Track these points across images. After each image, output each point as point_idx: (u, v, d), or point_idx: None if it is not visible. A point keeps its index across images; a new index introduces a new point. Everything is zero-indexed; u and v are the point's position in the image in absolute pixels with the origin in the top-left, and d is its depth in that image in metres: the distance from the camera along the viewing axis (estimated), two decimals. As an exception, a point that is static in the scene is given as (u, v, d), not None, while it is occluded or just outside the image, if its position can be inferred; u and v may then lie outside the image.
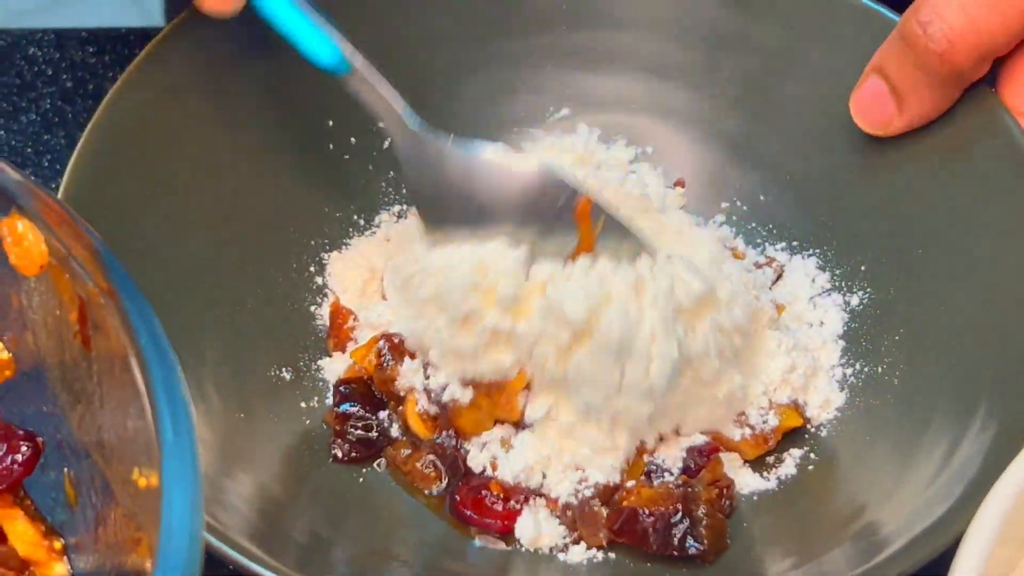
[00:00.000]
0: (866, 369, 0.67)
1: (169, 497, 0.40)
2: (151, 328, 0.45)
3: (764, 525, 0.61)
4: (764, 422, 0.63)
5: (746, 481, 0.63)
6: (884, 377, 0.67)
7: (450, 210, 0.64)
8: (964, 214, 0.66)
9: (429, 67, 0.75)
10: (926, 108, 0.66)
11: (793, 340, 0.65)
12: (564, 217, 0.62)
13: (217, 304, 0.66)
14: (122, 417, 0.46)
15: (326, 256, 0.72)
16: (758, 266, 0.70)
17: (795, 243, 0.72)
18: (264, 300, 0.68)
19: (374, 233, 0.73)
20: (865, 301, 0.69)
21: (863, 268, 0.69)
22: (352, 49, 0.62)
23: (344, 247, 0.72)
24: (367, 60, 0.63)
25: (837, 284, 0.70)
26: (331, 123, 0.73)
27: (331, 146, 0.74)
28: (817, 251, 0.71)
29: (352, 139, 0.74)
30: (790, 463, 0.64)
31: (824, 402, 0.65)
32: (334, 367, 0.68)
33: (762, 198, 0.74)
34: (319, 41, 0.62)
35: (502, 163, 0.63)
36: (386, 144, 0.73)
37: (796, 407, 0.64)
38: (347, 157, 0.74)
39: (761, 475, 0.64)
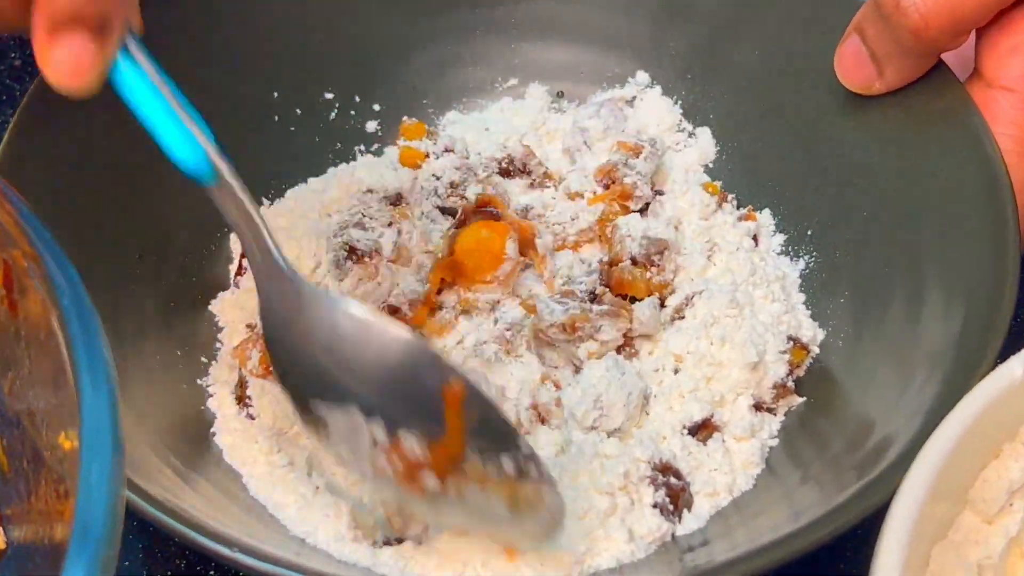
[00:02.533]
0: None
1: (89, 451, 0.40)
2: (75, 290, 0.45)
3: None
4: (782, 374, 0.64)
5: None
6: (829, 340, 0.67)
7: (305, 368, 0.54)
8: (910, 181, 0.66)
9: (377, 39, 0.75)
10: (903, 75, 0.66)
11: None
12: (433, 401, 0.51)
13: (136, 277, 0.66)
14: (51, 382, 0.46)
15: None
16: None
17: (743, 209, 0.72)
18: (185, 273, 0.68)
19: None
20: (811, 265, 0.69)
21: (809, 232, 0.69)
22: (219, 154, 0.51)
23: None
24: (236, 171, 0.53)
25: (785, 248, 0.71)
26: (276, 95, 0.73)
27: (276, 118, 0.74)
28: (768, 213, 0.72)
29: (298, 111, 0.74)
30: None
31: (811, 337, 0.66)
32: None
33: (710, 165, 0.75)
34: (181, 138, 0.50)
35: (369, 327, 0.52)
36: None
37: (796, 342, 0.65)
38: (293, 129, 0.74)
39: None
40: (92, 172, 0.65)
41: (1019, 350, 0.51)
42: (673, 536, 0.59)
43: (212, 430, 0.64)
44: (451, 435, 0.51)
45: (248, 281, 0.68)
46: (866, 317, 0.65)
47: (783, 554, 0.52)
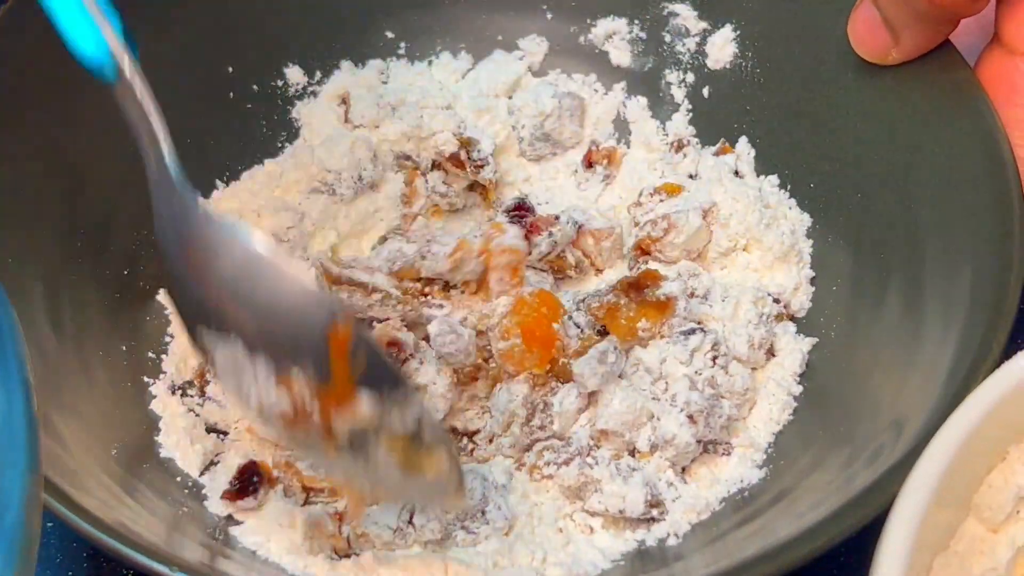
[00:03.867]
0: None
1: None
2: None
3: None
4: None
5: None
6: (822, 332, 0.64)
7: (193, 291, 0.51)
8: (910, 162, 0.62)
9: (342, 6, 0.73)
10: (920, 43, 0.62)
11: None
12: (317, 339, 0.49)
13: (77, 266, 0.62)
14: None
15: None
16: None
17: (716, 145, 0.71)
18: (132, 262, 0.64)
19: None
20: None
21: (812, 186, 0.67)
22: (124, 50, 0.49)
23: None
24: (140, 69, 0.50)
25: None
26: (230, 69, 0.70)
27: (231, 94, 0.70)
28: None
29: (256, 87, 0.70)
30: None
31: (796, 286, 0.65)
32: None
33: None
34: (82, 27, 0.48)
35: (261, 261, 0.49)
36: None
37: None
38: (250, 105, 0.71)
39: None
40: (27, 152, 0.61)
41: (1027, 346, 0.49)
42: (643, 546, 0.56)
43: (157, 439, 0.60)
44: (337, 381, 0.49)
45: None
46: (861, 309, 0.62)
47: (768, 570, 0.49)
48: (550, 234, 0.63)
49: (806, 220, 0.66)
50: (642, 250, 0.65)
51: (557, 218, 0.65)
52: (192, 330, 0.52)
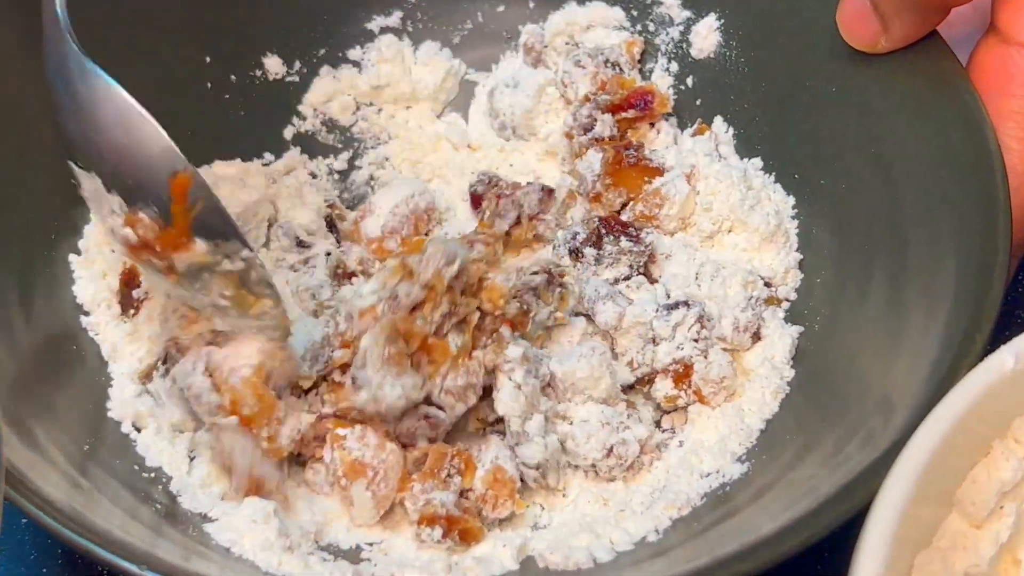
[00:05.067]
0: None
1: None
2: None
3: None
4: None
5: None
6: (804, 324, 0.63)
7: (63, 124, 0.57)
8: (894, 152, 0.62)
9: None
10: (909, 31, 0.61)
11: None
12: (161, 184, 0.55)
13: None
14: None
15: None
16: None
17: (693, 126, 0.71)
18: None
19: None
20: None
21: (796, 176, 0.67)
22: None
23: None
24: None
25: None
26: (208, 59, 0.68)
27: (208, 84, 0.69)
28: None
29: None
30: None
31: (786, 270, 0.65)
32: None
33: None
34: None
35: (118, 97, 0.55)
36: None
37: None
38: (227, 96, 0.70)
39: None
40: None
41: (1009, 339, 0.48)
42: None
43: (130, 434, 0.59)
44: (175, 225, 0.55)
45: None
46: (844, 301, 0.61)
47: (747, 567, 0.48)
48: (511, 200, 0.64)
49: (790, 202, 0.66)
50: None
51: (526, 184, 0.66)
52: (68, 161, 0.57)
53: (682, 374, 0.61)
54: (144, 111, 0.54)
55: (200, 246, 0.55)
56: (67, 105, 0.56)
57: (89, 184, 0.56)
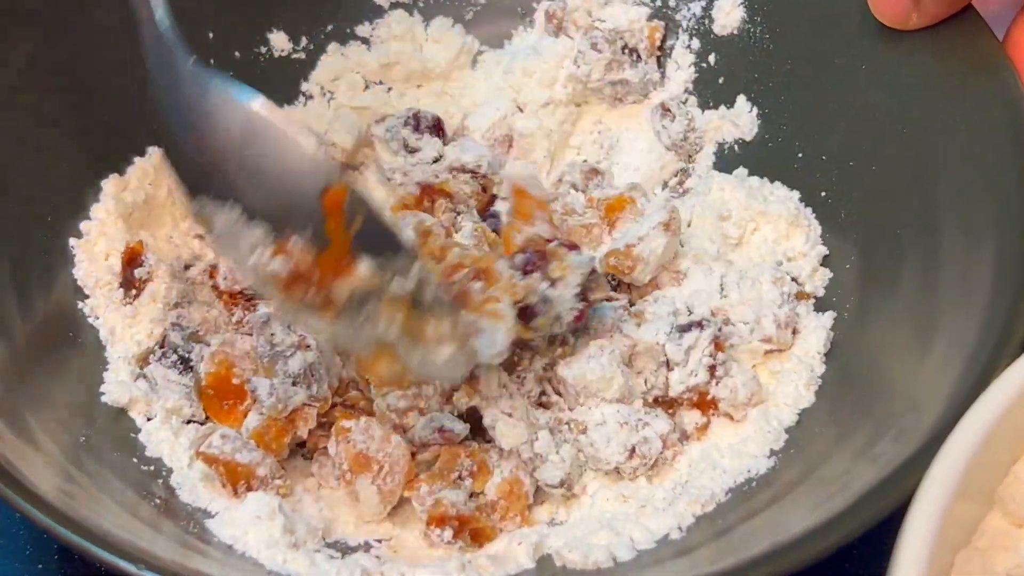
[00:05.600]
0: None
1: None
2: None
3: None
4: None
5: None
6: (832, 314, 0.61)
7: (191, 154, 0.50)
8: (929, 133, 0.59)
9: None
10: (942, 7, 0.59)
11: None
12: (312, 202, 0.49)
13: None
14: None
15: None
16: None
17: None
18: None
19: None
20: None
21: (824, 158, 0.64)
22: None
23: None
24: None
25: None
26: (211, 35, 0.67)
27: (211, 61, 0.66)
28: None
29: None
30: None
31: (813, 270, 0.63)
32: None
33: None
34: None
35: (252, 114, 0.49)
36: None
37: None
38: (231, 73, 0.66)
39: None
40: None
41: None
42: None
43: (130, 426, 0.57)
44: (334, 246, 0.49)
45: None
46: (873, 290, 0.59)
47: (776, 569, 0.46)
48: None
49: (794, 195, 0.64)
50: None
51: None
52: (192, 199, 0.51)
53: (704, 403, 0.59)
54: (284, 120, 0.49)
55: (364, 267, 0.49)
56: (191, 132, 0.50)
57: (224, 220, 0.50)
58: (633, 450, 0.56)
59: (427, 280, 0.50)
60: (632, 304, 0.62)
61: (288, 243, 0.49)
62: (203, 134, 0.49)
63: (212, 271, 0.61)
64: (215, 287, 0.61)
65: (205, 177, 0.50)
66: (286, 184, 0.48)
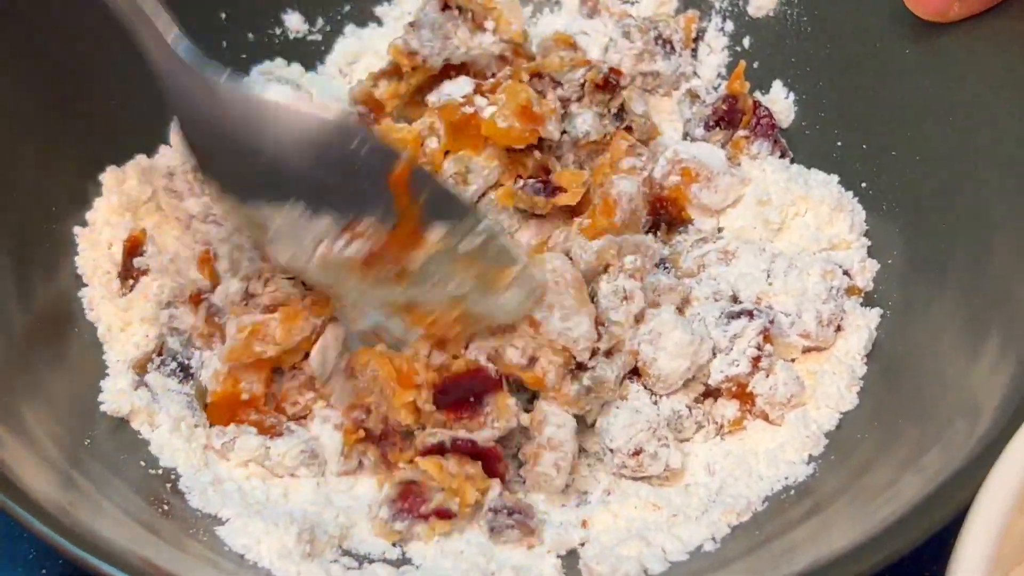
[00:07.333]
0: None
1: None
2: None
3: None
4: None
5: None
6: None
7: (233, 165, 0.51)
8: (977, 122, 0.57)
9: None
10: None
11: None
12: (378, 184, 0.50)
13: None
14: None
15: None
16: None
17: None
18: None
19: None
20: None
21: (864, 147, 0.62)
22: None
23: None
24: None
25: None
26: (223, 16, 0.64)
27: (224, 43, 0.65)
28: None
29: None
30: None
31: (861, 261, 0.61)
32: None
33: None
34: None
35: (292, 109, 0.50)
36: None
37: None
38: (244, 56, 0.65)
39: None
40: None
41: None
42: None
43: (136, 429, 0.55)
44: (405, 221, 0.51)
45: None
46: (920, 286, 0.57)
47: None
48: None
49: (834, 179, 0.62)
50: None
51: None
52: (242, 208, 0.52)
53: (743, 395, 0.56)
54: (339, 113, 0.50)
55: (435, 235, 0.51)
56: (232, 148, 0.50)
57: (284, 219, 0.51)
58: (639, 452, 0.54)
59: (494, 233, 0.52)
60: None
61: (359, 227, 0.50)
62: (256, 148, 0.50)
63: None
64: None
65: (257, 185, 0.50)
66: (349, 172, 0.50)
